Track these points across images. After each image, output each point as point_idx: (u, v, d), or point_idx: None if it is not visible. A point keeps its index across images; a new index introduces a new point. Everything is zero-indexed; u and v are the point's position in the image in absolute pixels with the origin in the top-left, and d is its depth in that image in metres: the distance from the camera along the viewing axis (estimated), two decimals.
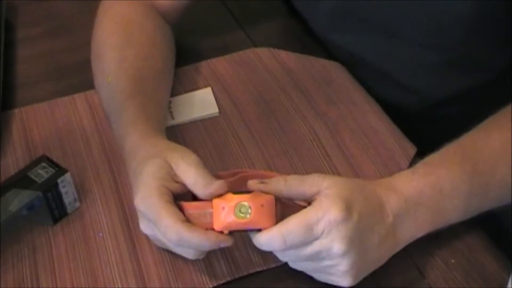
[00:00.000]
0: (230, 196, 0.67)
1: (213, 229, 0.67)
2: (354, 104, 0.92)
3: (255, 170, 0.83)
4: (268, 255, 0.73)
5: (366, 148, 0.86)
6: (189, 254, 0.71)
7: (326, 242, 0.65)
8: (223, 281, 0.73)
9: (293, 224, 0.65)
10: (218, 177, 0.73)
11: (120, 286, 0.73)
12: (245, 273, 0.73)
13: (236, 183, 0.77)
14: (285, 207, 0.67)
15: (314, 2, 0.95)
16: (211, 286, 0.73)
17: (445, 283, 0.73)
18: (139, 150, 0.75)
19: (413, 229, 0.71)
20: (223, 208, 0.66)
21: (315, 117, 0.91)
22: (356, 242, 0.66)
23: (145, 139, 0.77)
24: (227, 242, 0.68)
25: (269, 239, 0.65)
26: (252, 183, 0.68)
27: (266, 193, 0.67)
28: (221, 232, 0.67)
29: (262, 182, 0.68)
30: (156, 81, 0.87)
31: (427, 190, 0.71)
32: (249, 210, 0.65)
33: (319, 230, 0.65)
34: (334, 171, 0.83)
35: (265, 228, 0.66)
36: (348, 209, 0.65)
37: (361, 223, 0.66)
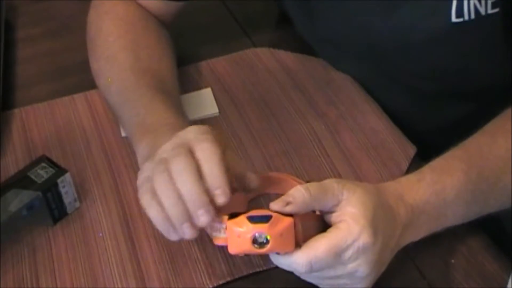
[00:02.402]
0: (245, 222, 0.62)
1: (226, 246, 0.64)
2: (354, 104, 0.92)
3: (276, 173, 0.82)
4: (267, 256, 0.73)
5: (366, 148, 0.86)
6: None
7: (352, 267, 0.64)
8: (223, 281, 0.73)
9: (322, 251, 0.62)
10: None
11: (120, 286, 0.73)
12: (245, 273, 0.73)
13: (262, 181, 0.76)
14: (304, 219, 0.64)
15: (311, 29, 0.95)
16: (211, 286, 0.73)
17: (445, 283, 0.73)
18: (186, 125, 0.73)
19: (412, 236, 0.70)
20: (239, 236, 0.62)
21: (315, 117, 0.91)
22: (377, 264, 0.66)
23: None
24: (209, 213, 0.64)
25: (294, 263, 0.63)
26: (276, 206, 0.64)
27: (292, 213, 0.63)
28: (236, 255, 0.65)
29: (287, 204, 0.64)
30: (173, 82, 0.87)
31: (432, 199, 0.70)
32: (267, 240, 0.62)
33: (347, 256, 0.63)
34: (334, 171, 0.83)
35: (284, 252, 0.63)
36: (375, 233, 0.64)
37: (382, 243, 0.65)
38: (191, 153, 0.65)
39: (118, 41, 0.89)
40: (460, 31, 0.80)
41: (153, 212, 0.65)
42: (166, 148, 0.67)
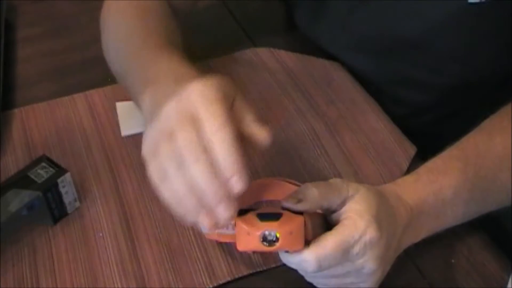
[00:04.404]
0: (255, 219, 0.62)
1: (234, 242, 0.64)
2: (354, 104, 0.92)
3: (274, 179, 0.81)
4: (268, 255, 0.73)
5: (366, 148, 0.86)
6: (199, 174, 0.57)
7: (359, 264, 0.64)
8: (223, 281, 0.73)
9: (330, 248, 0.62)
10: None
11: (120, 286, 0.73)
12: (245, 273, 0.73)
13: (251, 189, 0.76)
14: (312, 218, 0.64)
15: (316, 19, 0.95)
16: (211, 286, 0.73)
17: (445, 283, 0.73)
18: (196, 75, 0.67)
19: (413, 237, 0.71)
20: (248, 234, 0.62)
21: (315, 117, 0.91)
22: (383, 260, 0.66)
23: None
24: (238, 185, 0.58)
25: (302, 261, 0.62)
26: (287, 204, 0.63)
27: (302, 211, 0.63)
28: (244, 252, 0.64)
29: (299, 201, 0.63)
30: (181, 42, 0.83)
31: (430, 198, 0.70)
32: (276, 238, 0.61)
33: (354, 252, 0.63)
34: (334, 171, 0.83)
35: (293, 250, 0.63)
36: (380, 228, 0.64)
37: (387, 240, 0.65)
38: (198, 123, 0.58)
39: (129, 9, 0.85)
40: (476, 13, 0.80)
41: (165, 196, 0.60)
42: (169, 114, 0.60)
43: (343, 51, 0.96)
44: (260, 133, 0.62)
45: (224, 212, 0.58)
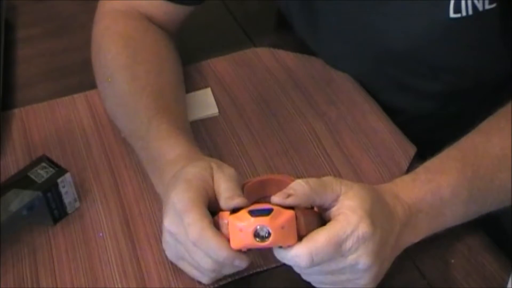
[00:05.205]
0: (246, 216, 0.63)
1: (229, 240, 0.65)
2: (354, 104, 0.92)
3: (276, 175, 0.82)
4: (268, 255, 0.73)
5: (366, 148, 0.86)
6: (203, 263, 0.68)
7: (352, 259, 0.64)
8: (224, 281, 0.73)
9: (322, 242, 0.62)
10: (244, 185, 0.73)
11: (120, 286, 0.73)
12: (245, 273, 0.73)
13: (253, 187, 0.76)
14: (305, 214, 0.64)
15: (313, 27, 0.95)
16: (211, 286, 0.73)
17: (445, 283, 0.73)
18: (182, 160, 0.74)
19: (412, 236, 0.71)
20: (240, 230, 0.63)
21: (315, 117, 0.91)
22: (378, 256, 0.65)
23: (188, 151, 0.76)
24: (243, 261, 0.66)
25: (295, 256, 0.63)
26: (277, 199, 0.64)
27: (294, 205, 0.64)
28: (239, 250, 0.65)
29: (288, 196, 0.64)
30: (174, 95, 0.86)
31: (428, 197, 0.71)
32: (268, 233, 0.62)
33: (347, 247, 0.63)
34: (334, 171, 0.83)
35: (286, 245, 0.63)
36: (373, 223, 0.64)
37: (381, 236, 0.65)
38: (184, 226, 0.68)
39: (116, 59, 0.88)
40: (458, 27, 0.81)
41: (183, 268, 0.72)
42: (167, 213, 0.69)
43: (339, 57, 0.97)
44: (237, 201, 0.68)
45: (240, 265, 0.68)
